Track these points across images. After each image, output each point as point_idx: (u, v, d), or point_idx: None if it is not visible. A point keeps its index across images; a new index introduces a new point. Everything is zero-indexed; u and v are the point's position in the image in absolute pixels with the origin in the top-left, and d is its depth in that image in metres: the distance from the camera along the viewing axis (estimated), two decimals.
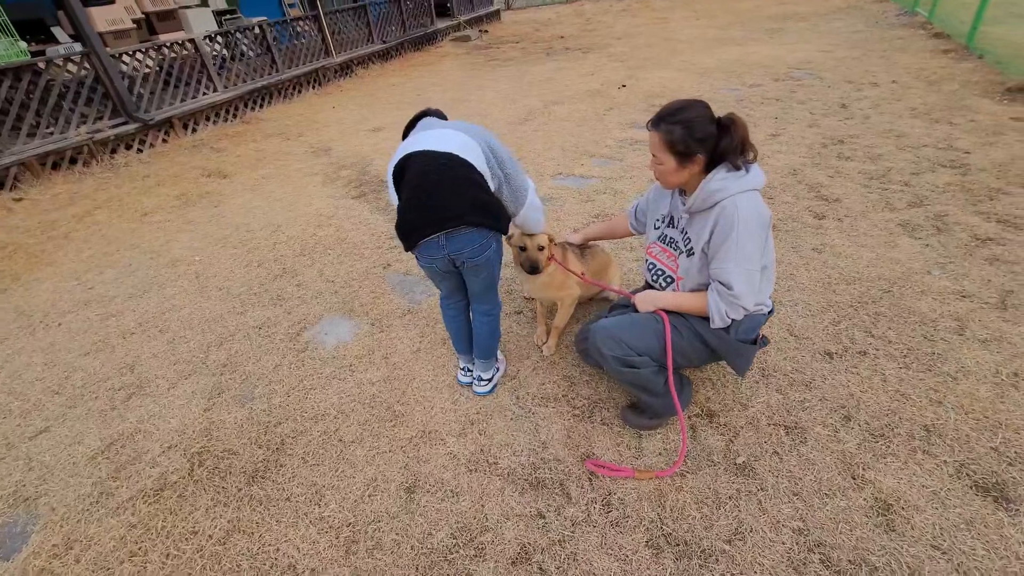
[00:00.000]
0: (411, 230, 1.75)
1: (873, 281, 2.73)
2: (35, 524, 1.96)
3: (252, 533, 1.84)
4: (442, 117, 2.02)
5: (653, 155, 1.73)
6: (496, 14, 16.59)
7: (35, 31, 8.04)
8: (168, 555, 1.79)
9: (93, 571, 1.77)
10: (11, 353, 2.97)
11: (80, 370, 2.78)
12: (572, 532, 1.73)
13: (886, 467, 1.81)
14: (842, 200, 3.57)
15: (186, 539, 1.84)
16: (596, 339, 1.87)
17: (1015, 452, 1.80)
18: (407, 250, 1.82)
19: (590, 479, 1.90)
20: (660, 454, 1.97)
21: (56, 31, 7.84)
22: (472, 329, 2.19)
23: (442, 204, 1.69)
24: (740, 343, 1.82)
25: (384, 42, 10.81)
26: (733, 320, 1.74)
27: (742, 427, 2.02)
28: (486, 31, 14.42)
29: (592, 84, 7.51)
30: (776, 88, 6.25)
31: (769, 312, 1.89)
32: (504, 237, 2.32)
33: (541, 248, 2.20)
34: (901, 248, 2.98)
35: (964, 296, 2.56)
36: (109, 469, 2.16)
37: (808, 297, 2.67)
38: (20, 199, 5.08)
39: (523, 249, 2.20)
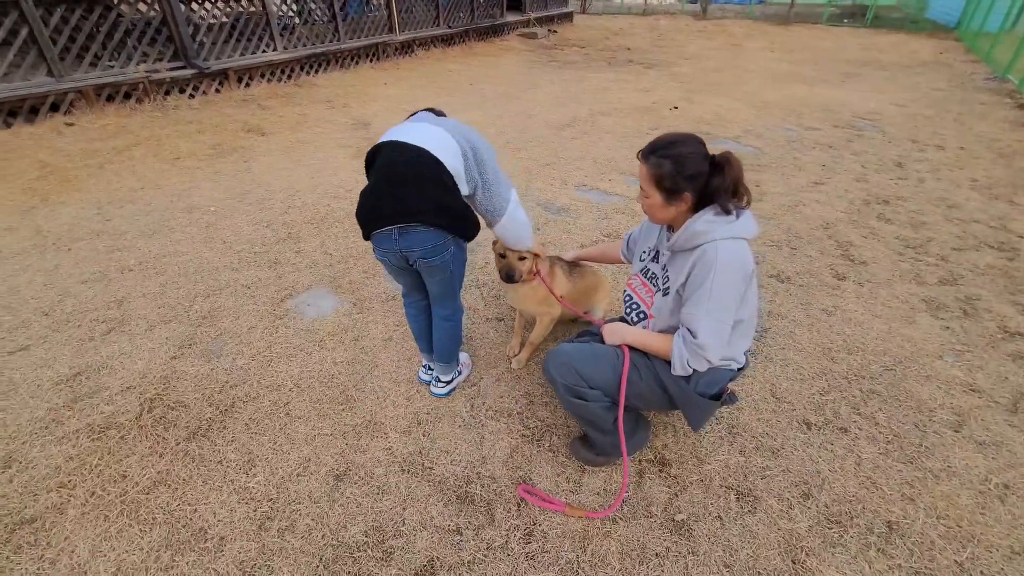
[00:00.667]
0: (371, 218, 1.71)
1: (877, 356, 2.55)
2: None
3: (176, 489, 1.85)
4: (440, 115, 1.98)
5: (641, 188, 1.65)
6: (568, 16, 16.45)
7: None
8: (93, 493, 1.82)
9: (21, 494, 1.81)
10: (18, 269, 3.10)
11: (73, 296, 2.87)
12: (485, 556, 1.66)
13: (832, 558, 1.67)
14: (869, 264, 3.35)
15: (114, 481, 1.86)
16: (550, 363, 1.79)
17: (981, 572, 1.64)
18: (364, 238, 1.78)
19: (519, 505, 1.82)
20: (598, 493, 1.88)
21: None
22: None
23: (404, 198, 1.64)
24: (699, 396, 1.71)
25: (449, 27, 10.86)
26: (695, 370, 1.64)
27: (692, 483, 1.91)
28: (555, 31, 14.32)
29: (645, 101, 7.34)
30: (833, 135, 5.96)
31: (740, 368, 1.78)
32: (492, 242, 2.27)
33: (522, 258, 2.13)
34: (918, 326, 2.77)
35: (973, 390, 2.35)
36: (67, 398, 2.21)
37: (802, 359, 2.51)
38: (71, 124, 5.32)
39: (503, 256, 2.14)
